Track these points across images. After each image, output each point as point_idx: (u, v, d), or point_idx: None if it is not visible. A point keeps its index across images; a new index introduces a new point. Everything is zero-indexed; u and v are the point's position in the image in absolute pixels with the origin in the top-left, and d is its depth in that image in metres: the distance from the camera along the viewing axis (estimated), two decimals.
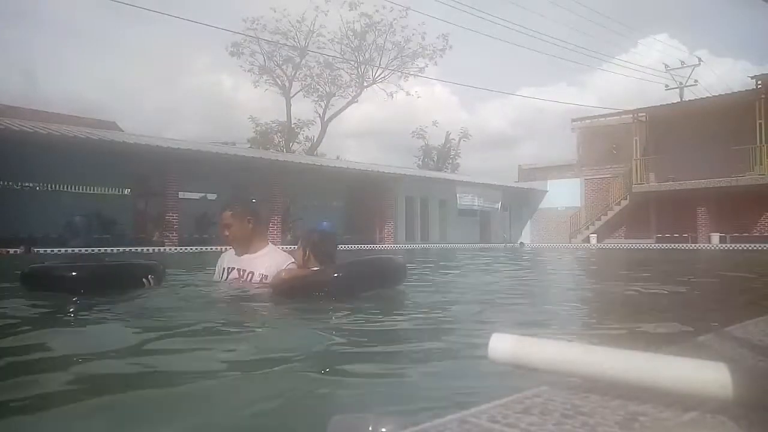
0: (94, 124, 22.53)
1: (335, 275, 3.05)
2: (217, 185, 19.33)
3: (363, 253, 12.32)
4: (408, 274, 3.49)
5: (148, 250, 14.07)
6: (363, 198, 22.37)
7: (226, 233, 3.51)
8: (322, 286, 3.01)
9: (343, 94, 35.73)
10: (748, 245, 18.77)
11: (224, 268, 3.58)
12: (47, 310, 2.82)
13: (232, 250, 3.62)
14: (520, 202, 28.22)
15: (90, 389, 1.51)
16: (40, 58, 55.72)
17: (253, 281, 3.39)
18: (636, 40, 75.00)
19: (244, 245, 3.54)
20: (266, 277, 3.36)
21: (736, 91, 22.86)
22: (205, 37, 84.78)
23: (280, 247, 4.39)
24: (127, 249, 13.60)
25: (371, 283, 3.21)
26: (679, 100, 27.95)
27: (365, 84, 35.31)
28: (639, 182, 23.59)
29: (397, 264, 3.52)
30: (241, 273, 3.45)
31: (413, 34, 33.65)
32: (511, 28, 53.78)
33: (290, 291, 3.06)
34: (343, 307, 2.83)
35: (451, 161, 42.04)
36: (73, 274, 3.15)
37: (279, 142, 36.99)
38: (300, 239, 3.43)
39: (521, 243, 24.50)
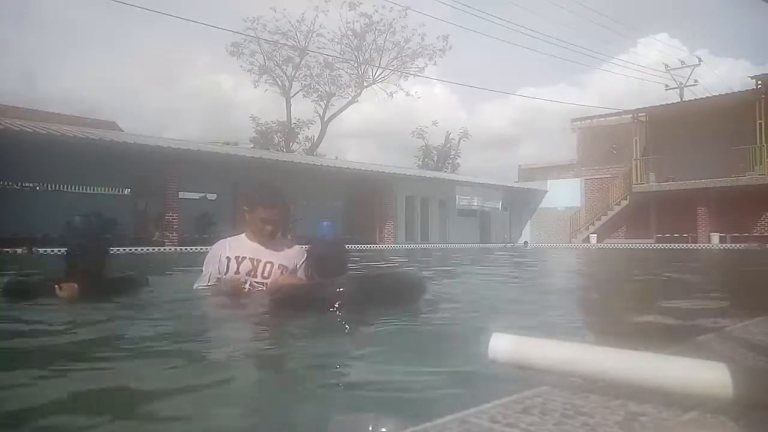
0: (94, 124, 22.54)
1: (339, 290, 2.69)
2: (217, 185, 19.34)
3: (365, 253, 12.25)
4: (425, 292, 3.14)
5: (148, 250, 14.07)
6: (363, 198, 22.37)
7: (270, 228, 3.20)
8: (324, 302, 2.66)
9: (343, 94, 35.83)
10: (748, 245, 18.78)
11: (229, 258, 3.18)
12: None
13: (233, 239, 3.31)
14: (520, 202, 28.22)
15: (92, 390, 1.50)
16: (40, 58, 55.75)
17: (273, 273, 3.14)
18: (636, 40, 75.08)
19: (275, 238, 3.30)
20: (286, 268, 3.17)
21: (736, 91, 22.87)
22: (205, 37, 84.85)
23: None
24: (128, 249, 13.59)
25: (382, 302, 2.80)
26: (679, 100, 27.96)
27: (365, 84, 35.37)
28: (639, 182, 23.59)
29: (414, 280, 3.20)
30: (255, 263, 3.15)
31: (413, 34, 33.75)
32: (511, 28, 53.83)
33: (288, 303, 2.78)
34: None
35: (451, 161, 42.07)
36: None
37: (279, 142, 37.02)
38: (306, 253, 3.12)
39: (525, 242, 24.43)
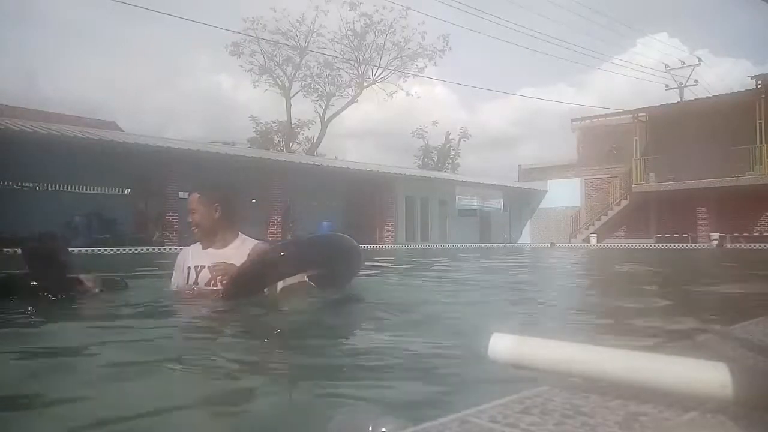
0: (94, 124, 22.54)
1: (282, 254, 2.85)
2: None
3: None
4: (362, 260, 3.17)
5: (148, 250, 14.07)
6: (363, 198, 22.37)
7: (190, 220, 3.09)
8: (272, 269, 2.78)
9: (343, 94, 35.84)
10: (748, 245, 18.79)
11: (189, 268, 3.05)
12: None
13: (195, 246, 3.18)
14: (520, 202, 28.22)
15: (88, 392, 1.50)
16: (40, 58, 55.79)
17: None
18: (636, 40, 75.26)
19: (211, 237, 3.09)
20: None
21: (736, 91, 22.87)
22: (205, 37, 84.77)
23: None
24: (128, 249, 13.60)
25: (322, 262, 2.99)
26: (679, 100, 27.95)
27: (365, 84, 35.35)
28: (639, 182, 23.59)
29: (350, 245, 3.17)
30: (214, 272, 2.97)
31: (413, 34, 33.74)
32: (511, 28, 53.80)
33: (243, 289, 2.77)
34: (340, 306, 2.82)
35: (451, 161, 42.08)
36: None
37: (279, 142, 37.02)
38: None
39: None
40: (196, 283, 2.99)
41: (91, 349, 1.90)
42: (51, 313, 2.60)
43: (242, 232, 3.20)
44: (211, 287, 2.94)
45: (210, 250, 3.07)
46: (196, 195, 3.09)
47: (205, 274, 2.98)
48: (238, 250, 3.00)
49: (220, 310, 2.74)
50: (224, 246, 3.07)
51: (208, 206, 3.05)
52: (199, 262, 3.03)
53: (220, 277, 2.89)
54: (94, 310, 2.81)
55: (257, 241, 3.14)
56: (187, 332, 2.42)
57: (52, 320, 2.46)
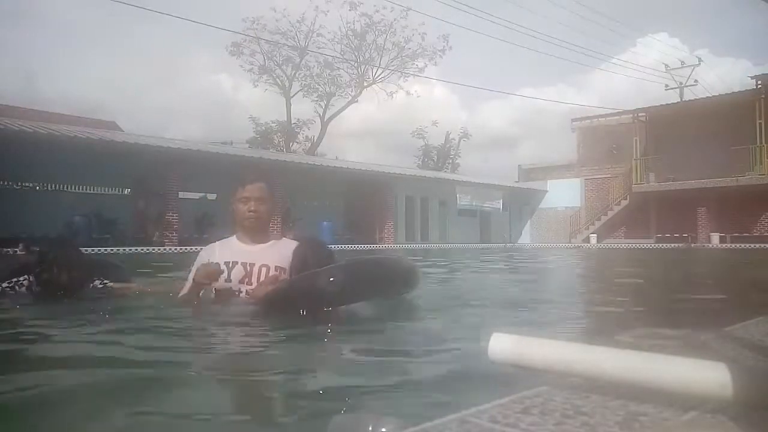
0: (94, 124, 22.55)
1: (331, 279, 2.53)
2: (217, 185, 19.33)
3: (363, 254, 12.29)
4: (419, 280, 2.94)
5: (148, 250, 14.06)
6: (363, 198, 22.37)
7: (254, 211, 2.84)
8: (318, 293, 2.51)
9: (343, 94, 35.82)
10: (748, 245, 18.79)
11: (218, 264, 2.80)
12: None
13: (223, 242, 2.96)
14: (520, 202, 28.21)
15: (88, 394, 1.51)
16: (40, 58, 55.84)
17: (269, 276, 2.76)
18: (636, 40, 75.22)
19: (263, 232, 2.92)
20: (284, 270, 2.78)
21: (736, 91, 22.86)
22: (205, 37, 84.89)
23: None
24: (127, 249, 13.60)
25: (375, 289, 2.68)
26: (679, 100, 27.95)
27: (365, 84, 35.34)
28: (639, 182, 23.59)
29: (408, 267, 2.95)
30: (248, 268, 2.77)
31: (413, 35, 33.73)
32: (511, 28, 53.84)
33: (280, 302, 2.60)
34: (340, 308, 2.81)
35: (451, 161, 42.05)
36: None
37: (279, 142, 37.01)
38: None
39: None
40: (228, 280, 2.76)
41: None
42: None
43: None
44: (245, 285, 2.76)
45: (243, 246, 2.88)
46: (263, 185, 2.93)
47: (238, 271, 2.77)
48: (278, 247, 2.89)
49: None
50: (259, 242, 2.90)
51: (272, 200, 3.03)
52: (231, 258, 2.81)
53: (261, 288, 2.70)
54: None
55: (290, 241, 3.00)
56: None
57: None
